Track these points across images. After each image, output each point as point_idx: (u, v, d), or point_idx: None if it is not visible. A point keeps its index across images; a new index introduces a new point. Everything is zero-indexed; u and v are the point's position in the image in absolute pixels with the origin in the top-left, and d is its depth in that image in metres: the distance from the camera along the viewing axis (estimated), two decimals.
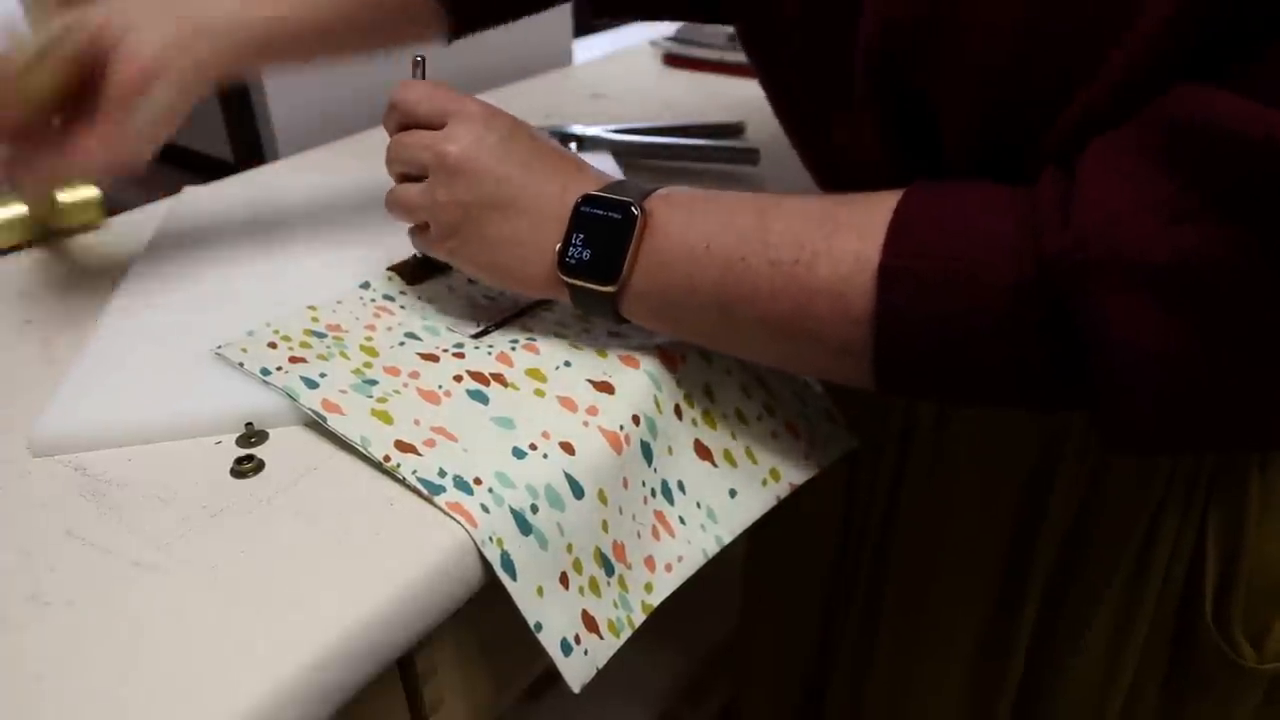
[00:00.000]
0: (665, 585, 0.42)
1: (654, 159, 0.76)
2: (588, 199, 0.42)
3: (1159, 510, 0.46)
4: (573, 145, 0.78)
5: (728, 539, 0.45)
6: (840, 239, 0.36)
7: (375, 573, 0.35)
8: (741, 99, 0.95)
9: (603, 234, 0.42)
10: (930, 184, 0.37)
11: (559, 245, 0.42)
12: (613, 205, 0.41)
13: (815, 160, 0.52)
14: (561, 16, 1.14)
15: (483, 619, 0.39)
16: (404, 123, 0.47)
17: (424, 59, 0.50)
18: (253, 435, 0.42)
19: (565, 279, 0.43)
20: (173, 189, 0.70)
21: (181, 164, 0.95)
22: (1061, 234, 0.31)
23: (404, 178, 0.47)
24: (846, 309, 0.36)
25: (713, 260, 0.39)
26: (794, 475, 0.49)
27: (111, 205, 0.65)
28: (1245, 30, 0.29)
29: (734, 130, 0.81)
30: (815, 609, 0.74)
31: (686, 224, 0.41)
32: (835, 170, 0.50)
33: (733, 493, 0.46)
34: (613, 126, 0.79)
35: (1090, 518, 0.50)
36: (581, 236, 0.42)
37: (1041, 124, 0.35)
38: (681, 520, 0.44)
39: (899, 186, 0.38)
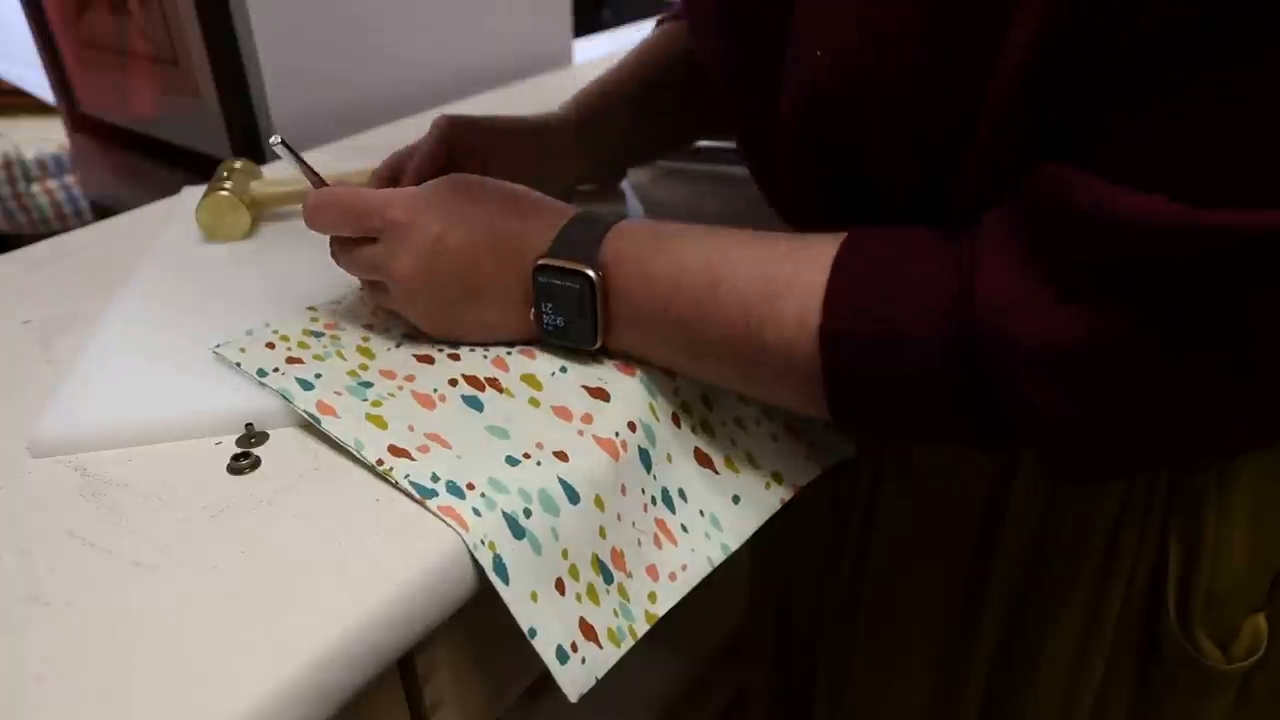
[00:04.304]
0: (670, 594, 0.42)
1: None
2: (543, 269, 0.43)
3: (1119, 521, 0.47)
4: None
5: (734, 546, 0.45)
6: (782, 303, 0.38)
7: (375, 573, 0.35)
8: None
9: (568, 302, 0.43)
10: (864, 237, 0.38)
11: (532, 313, 0.44)
12: (568, 274, 0.42)
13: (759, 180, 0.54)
14: (561, 16, 1.13)
15: (484, 620, 0.39)
16: (340, 230, 0.46)
17: (281, 139, 0.46)
18: (252, 436, 0.42)
19: (550, 341, 0.45)
20: (173, 189, 0.70)
21: (181, 164, 0.95)
22: (969, 308, 0.34)
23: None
24: (795, 368, 0.38)
25: (673, 321, 0.42)
26: (796, 477, 0.49)
27: (111, 205, 0.65)
28: (1103, 79, 0.30)
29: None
30: (806, 621, 0.74)
31: (644, 286, 0.42)
32: (774, 190, 0.52)
33: (736, 499, 0.46)
34: None
35: (1051, 528, 0.50)
36: (550, 306, 0.44)
37: (948, 166, 0.37)
38: (684, 528, 0.44)
39: (821, 212, 0.41)
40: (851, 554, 0.64)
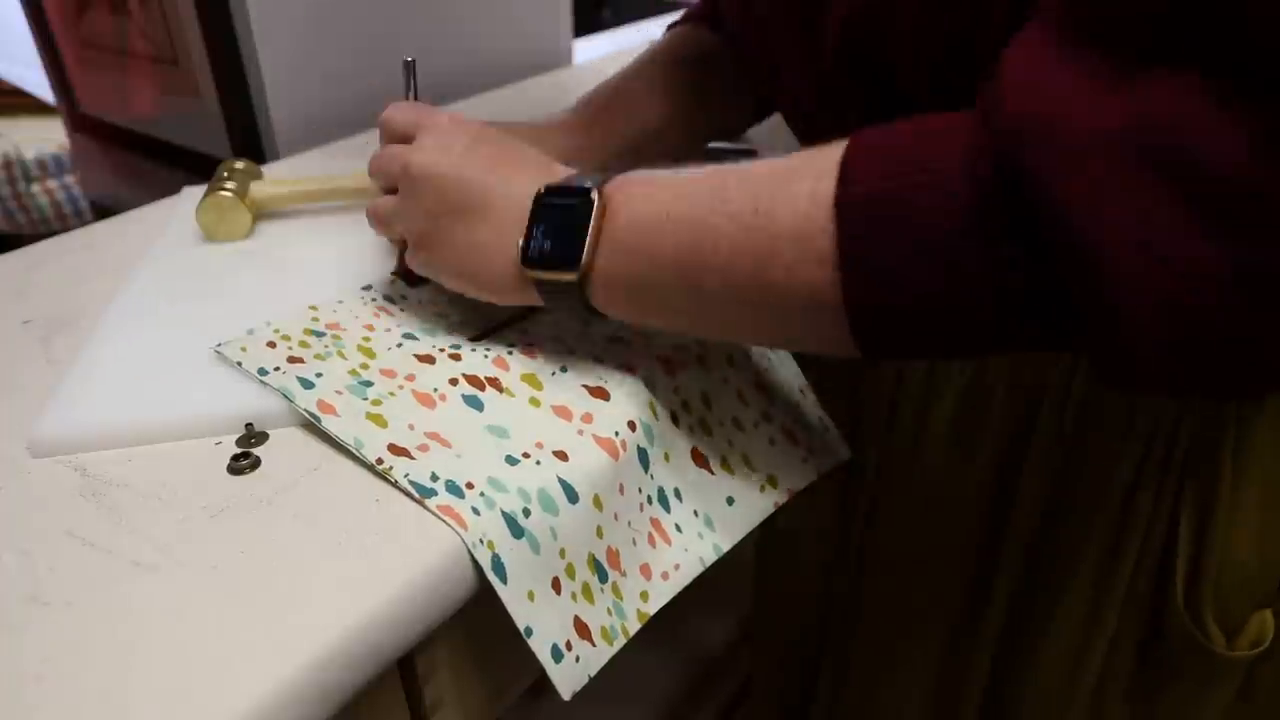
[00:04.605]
0: (662, 593, 0.42)
1: None
2: (549, 190, 0.42)
3: (1130, 496, 0.47)
4: None
5: (726, 547, 0.45)
6: (795, 183, 0.35)
7: (375, 573, 0.35)
8: None
9: (563, 221, 0.41)
10: (880, 124, 0.36)
11: (521, 240, 0.42)
12: (571, 192, 0.41)
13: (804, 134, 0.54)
14: (561, 16, 1.13)
15: (484, 620, 0.39)
16: (387, 140, 0.49)
17: (413, 61, 0.51)
18: (253, 436, 0.42)
19: (529, 273, 0.42)
20: (173, 189, 0.70)
21: (181, 164, 0.95)
22: (996, 125, 0.30)
23: (387, 191, 0.49)
24: (809, 251, 0.34)
25: (673, 227, 0.38)
26: (792, 482, 0.49)
27: (111, 205, 0.65)
28: None
29: None
30: (812, 615, 0.74)
31: (646, 197, 0.40)
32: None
33: (730, 500, 0.46)
34: None
35: (1061, 505, 0.51)
36: (542, 228, 0.41)
37: (977, 48, 0.37)
38: (678, 528, 0.44)
39: None
40: (855, 552, 0.64)
